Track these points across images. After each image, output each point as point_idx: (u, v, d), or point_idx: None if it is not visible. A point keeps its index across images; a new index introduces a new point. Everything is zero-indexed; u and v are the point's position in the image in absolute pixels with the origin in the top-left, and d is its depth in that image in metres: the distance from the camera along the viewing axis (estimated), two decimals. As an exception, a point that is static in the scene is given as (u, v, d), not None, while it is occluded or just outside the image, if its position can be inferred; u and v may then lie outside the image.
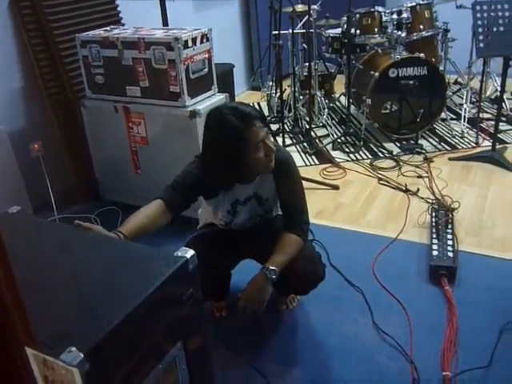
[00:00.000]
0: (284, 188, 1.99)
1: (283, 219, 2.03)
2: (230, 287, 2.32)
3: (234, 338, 2.18)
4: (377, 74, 3.86)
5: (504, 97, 3.69)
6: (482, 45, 3.31)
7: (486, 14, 3.29)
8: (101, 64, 2.92)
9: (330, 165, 3.75)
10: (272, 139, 1.88)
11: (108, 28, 3.07)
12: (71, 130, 3.25)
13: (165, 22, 3.23)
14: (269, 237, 1.97)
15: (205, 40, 2.81)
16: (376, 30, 4.14)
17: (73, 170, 3.34)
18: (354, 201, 3.27)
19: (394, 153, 3.85)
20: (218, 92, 3.00)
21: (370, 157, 3.84)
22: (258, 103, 5.08)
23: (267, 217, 2.15)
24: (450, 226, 2.73)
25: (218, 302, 2.32)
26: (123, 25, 3.42)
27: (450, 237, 2.63)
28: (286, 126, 4.24)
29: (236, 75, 4.64)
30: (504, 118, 4.17)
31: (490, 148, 3.64)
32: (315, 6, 4.19)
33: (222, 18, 5.08)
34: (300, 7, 4.18)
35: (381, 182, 3.47)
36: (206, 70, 2.86)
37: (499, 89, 3.60)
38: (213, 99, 2.91)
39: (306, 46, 4.28)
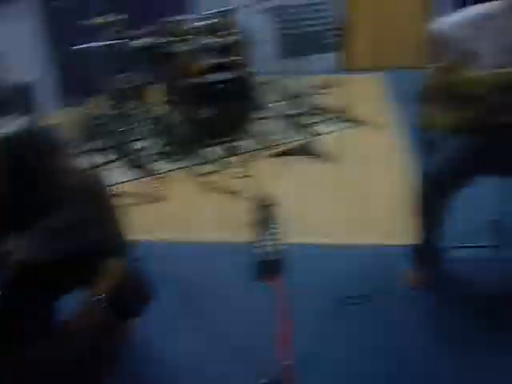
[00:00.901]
0: (94, 215, 1.87)
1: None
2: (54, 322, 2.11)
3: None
4: (189, 81, 3.88)
5: (310, 92, 3.94)
6: (282, 47, 3.52)
7: (283, 18, 3.54)
8: None
9: (152, 177, 3.66)
10: (75, 163, 1.78)
11: None
12: None
13: None
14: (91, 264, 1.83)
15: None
16: (184, 37, 4.14)
17: None
18: (180, 211, 3.22)
19: (216, 157, 3.89)
20: (17, 115, 2.73)
21: (193, 164, 3.83)
22: (71, 122, 4.73)
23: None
24: (273, 222, 2.81)
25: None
26: None
27: (273, 231, 2.71)
28: (102, 143, 4.04)
29: (43, 95, 4.32)
30: (319, 112, 4.43)
31: (304, 141, 3.85)
32: (119, 17, 4.06)
33: (19, 36, 4.67)
34: (102, 19, 4.03)
35: (205, 187, 3.47)
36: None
37: (303, 85, 3.84)
38: (9, 124, 2.64)
39: (115, 59, 4.13)
